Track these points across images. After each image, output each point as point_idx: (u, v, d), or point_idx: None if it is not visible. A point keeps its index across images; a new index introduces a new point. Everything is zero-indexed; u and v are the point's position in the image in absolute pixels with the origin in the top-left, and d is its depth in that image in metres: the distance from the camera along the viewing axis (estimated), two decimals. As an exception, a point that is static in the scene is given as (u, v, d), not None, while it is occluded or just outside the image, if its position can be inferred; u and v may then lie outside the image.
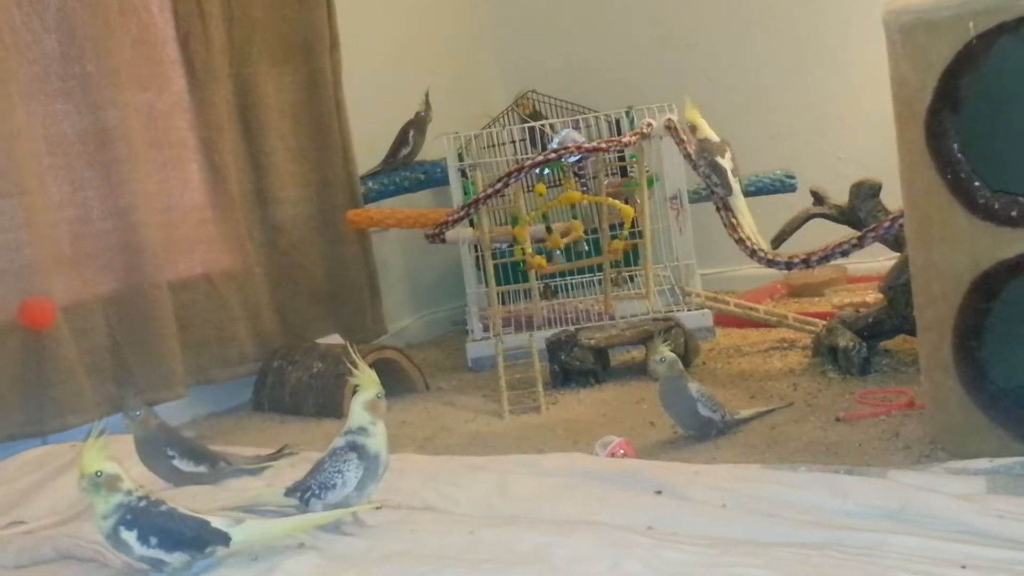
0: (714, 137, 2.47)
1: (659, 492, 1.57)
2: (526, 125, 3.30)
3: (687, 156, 2.66)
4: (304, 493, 1.54)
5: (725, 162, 2.41)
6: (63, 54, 2.48)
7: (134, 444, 1.79)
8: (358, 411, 1.54)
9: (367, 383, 1.54)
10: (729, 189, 2.41)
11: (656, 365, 2.09)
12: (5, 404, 2.31)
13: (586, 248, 3.04)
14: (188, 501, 1.59)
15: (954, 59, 1.67)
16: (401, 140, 3.26)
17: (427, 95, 3.24)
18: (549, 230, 2.87)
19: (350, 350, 1.58)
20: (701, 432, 2.10)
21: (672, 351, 2.16)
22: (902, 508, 1.43)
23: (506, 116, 3.54)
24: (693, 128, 2.49)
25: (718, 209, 2.46)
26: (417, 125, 3.24)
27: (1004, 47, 1.65)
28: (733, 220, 2.42)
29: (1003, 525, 1.34)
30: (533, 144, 3.29)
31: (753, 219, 2.45)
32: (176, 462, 1.78)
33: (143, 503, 1.37)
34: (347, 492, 1.51)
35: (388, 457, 1.56)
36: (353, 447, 1.52)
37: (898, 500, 1.45)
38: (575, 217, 3.06)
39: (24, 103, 2.38)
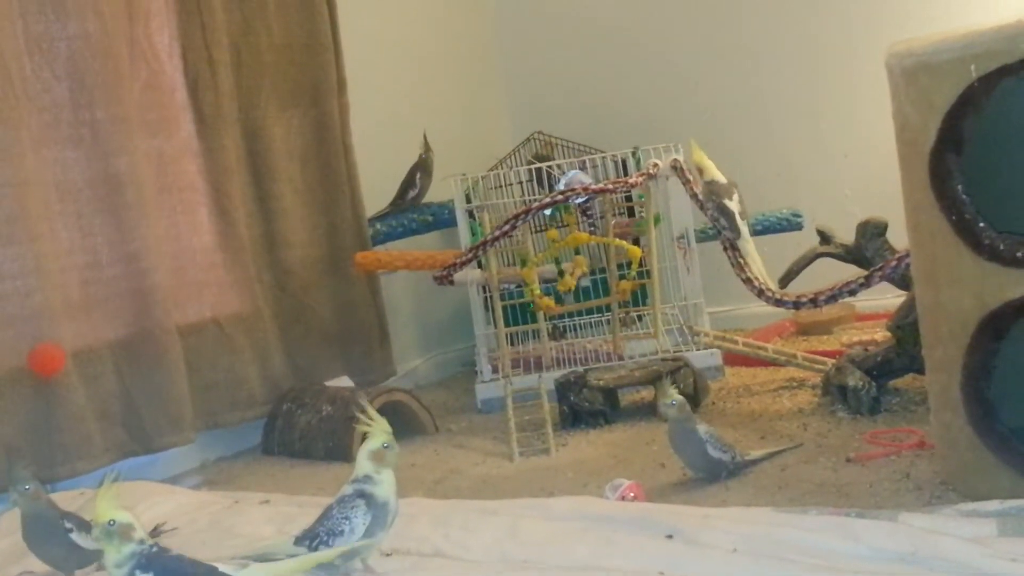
0: (721, 179, 2.47)
1: (670, 536, 1.57)
2: (533, 166, 3.31)
3: (693, 196, 2.68)
4: (313, 541, 1.53)
5: (733, 205, 2.41)
6: (73, 101, 2.50)
7: (21, 524, 1.67)
8: (363, 460, 1.54)
9: (377, 432, 1.54)
10: (737, 232, 2.41)
11: (666, 408, 2.08)
12: (15, 451, 2.31)
13: (587, 284, 3.04)
14: (198, 549, 1.59)
15: (956, 101, 1.69)
16: (408, 182, 3.27)
17: (425, 136, 3.25)
18: (561, 274, 2.87)
19: (361, 401, 1.58)
20: (711, 474, 2.09)
21: (681, 391, 2.16)
22: (914, 552, 1.43)
23: (513, 157, 3.56)
24: (700, 170, 2.49)
25: (725, 249, 2.46)
26: (422, 167, 3.26)
27: (1006, 89, 1.66)
28: (740, 260, 2.42)
29: (1015, 568, 1.34)
30: (540, 185, 3.31)
31: (761, 259, 2.45)
32: (74, 536, 1.65)
33: (155, 550, 1.37)
34: (355, 539, 1.51)
35: (397, 504, 1.55)
36: (361, 495, 1.52)
37: (910, 543, 1.44)
38: (578, 253, 3.07)
39: (35, 150, 2.40)
